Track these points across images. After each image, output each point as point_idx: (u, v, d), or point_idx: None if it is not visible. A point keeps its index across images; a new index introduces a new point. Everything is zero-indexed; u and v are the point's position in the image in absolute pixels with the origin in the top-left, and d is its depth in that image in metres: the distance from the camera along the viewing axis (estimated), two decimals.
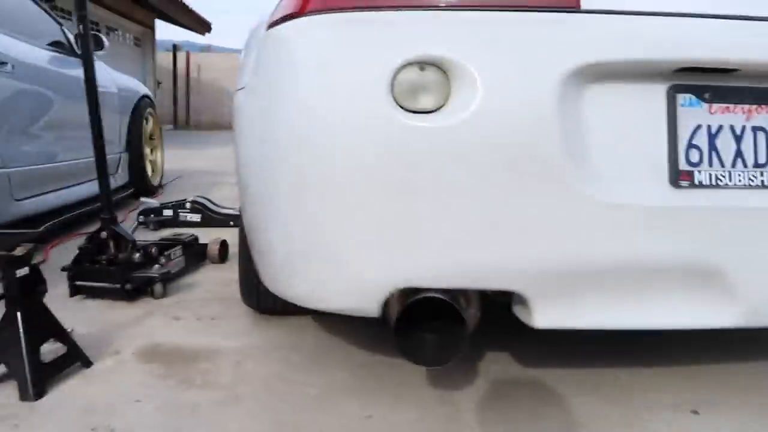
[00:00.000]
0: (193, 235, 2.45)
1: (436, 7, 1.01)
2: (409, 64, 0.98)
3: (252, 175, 1.25)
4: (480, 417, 1.28)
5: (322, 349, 1.62)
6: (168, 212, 3.16)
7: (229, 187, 4.54)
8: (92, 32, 2.17)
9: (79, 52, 2.67)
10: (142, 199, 3.29)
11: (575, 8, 1.01)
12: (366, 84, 0.98)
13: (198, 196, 3.26)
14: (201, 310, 1.93)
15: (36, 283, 1.42)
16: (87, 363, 1.49)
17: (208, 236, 2.56)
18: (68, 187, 3.00)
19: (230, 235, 2.43)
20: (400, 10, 1.02)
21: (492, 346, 1.62)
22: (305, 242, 1.08)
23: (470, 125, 0.96)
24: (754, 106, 1.06)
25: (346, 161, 1.00)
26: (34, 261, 1.40)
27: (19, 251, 1.37)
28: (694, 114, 1.05)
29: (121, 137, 3.70)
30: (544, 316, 1.05)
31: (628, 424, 1.25)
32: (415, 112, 0.98)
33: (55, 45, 3.07)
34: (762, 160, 1.06)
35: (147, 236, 2.98)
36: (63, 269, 2.03)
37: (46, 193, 2.77)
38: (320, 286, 1.09)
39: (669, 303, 1.06)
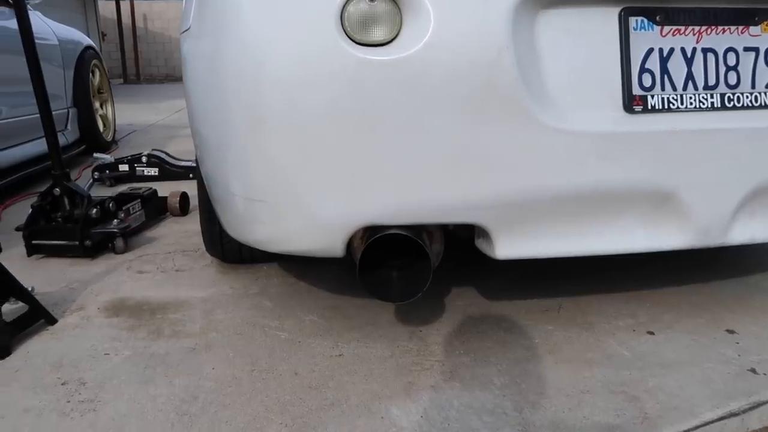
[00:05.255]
0: (151, 188, 2.40)
1: None
2: None
3: (204, 120, 1.22)
4: (448, 349, 1.32)
5: (290, 294, 1.63)
6: (124, 167, 3.06)
7: (187, 140, 4.40)
8: None
9: (11, 0, 2.50)
10: (96, 155, 3.18)
11: None
12: (315, 18, 0.95)
13: (155, 149, 3.17)
14: (165, 263, 1.91)
15: None
16: (51, 320, 1.47)
17: (167, 190, 2.51)
18: (16, 145, 2.87)
19: (190, 187, 2.38)
20: None
21: (457, 282, 1.66)
22: (264, 186, 1.07)
23: (424, 56, 0.94)
24: (704, 27, 1.07)
25: (299, 100, 0.98)
26: None
27: None
28: (646, 37, 1.05)
29: (66, 92, 3.53)
30: (505, 247, 1.07)
31: (589, 349, 1.30)
32: (367, 45, 0.96)
33: None
34: (712, 82, 1.08)
35: (103, 192, 2.90)
36: (17, 229, 1.97)
37: None
38: (282, 229, 1.09)
39: (625, 228, 1.09)
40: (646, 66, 1.05)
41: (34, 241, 1.93)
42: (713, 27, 1.07)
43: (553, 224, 1.06)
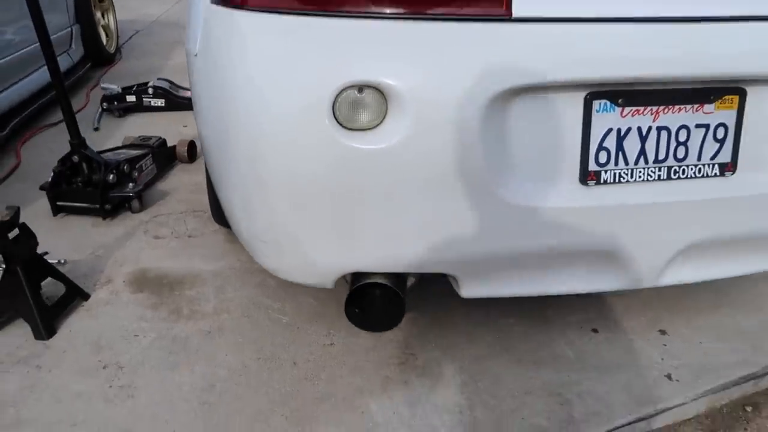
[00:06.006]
0: (160, 138, 2.54)
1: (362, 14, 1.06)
2: (350, 87, 1.07)
3: (213, 150, 1.36)
4: (423, 341, 1.57)
5: None
6: (131, 98, 3.16)
7: None
8: None
9: None
10: (103, 85, 3.26)
11: (507, 17, 1.08)
12: (309, 105, 1.07)
13: (159, 79, 3.24)
14: (178, 225, 2.11)
15: (27, 238, 1.57)
16: (85, 296, 1.72)
17: (172, 119, 2.62)
18: (24, 77, 2.95)
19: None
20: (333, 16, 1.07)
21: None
22: (267, 231, 1.25)
23: (404, 144, 1.08)
24: (661, 107, 1.19)
25: (294, 171, 1.13)
26: None
27: (5, 216, 1.51)
28: (607, 118, 1.17)
29: (68, 8, 3.50)
30: (469, 290, 1.28)
31: (540, 348, 1.54)
32: (354, 129, 1.09)
33: None
34: (662, 156, 1.21)
35: (112, 123, 3.03)
36: (41, 188, 2.16)
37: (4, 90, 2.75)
38: (284, 265, 1.29)
39: (573, 274, 1.29)
40: (604, 144, 1.18)
41: (58, 203, 2.12)
42: (671, 106, 1.19)
43: (511, 274, 1.26)
